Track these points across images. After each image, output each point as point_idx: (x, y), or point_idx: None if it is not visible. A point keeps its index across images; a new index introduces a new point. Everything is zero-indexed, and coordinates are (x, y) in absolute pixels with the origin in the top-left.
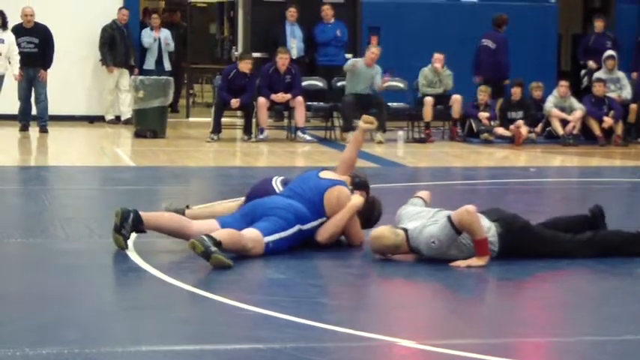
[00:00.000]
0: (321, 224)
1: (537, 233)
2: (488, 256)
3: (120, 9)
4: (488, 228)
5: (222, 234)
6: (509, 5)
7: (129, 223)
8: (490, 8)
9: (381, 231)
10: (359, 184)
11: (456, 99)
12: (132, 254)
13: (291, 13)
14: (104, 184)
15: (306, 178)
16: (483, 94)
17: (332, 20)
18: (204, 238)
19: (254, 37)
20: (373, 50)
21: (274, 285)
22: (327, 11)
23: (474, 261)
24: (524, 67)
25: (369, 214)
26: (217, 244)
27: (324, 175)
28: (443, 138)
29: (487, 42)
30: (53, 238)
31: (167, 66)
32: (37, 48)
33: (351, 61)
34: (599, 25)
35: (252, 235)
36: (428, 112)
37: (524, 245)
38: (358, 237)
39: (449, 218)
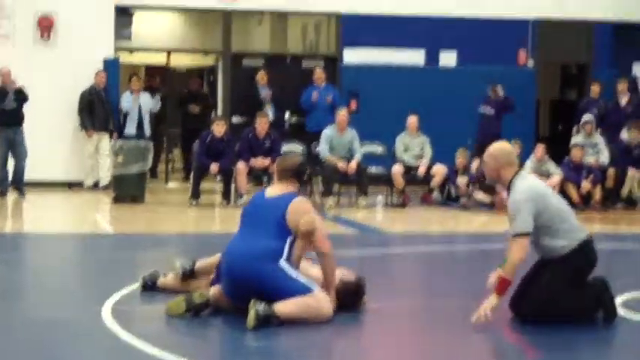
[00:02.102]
0: (292, 243)
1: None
2: (502, 297)
3: (97, 73)
4: None
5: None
6: (488, 70)
7: (197, 310)
8: (469, 73)
9: None
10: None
11: (439, 171)
12: (109, 322)
13: (261, 76)
14: (82, 252)
15: (255, 208)
16: (461, 157)
17: (323, 84)
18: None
19: (233, 102)
20: (341, 113)
21: (261, 352)
22: (319, 75)
23: (490, 300)
24: (503, 132)
25: (356, 294)
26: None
27: (270, 193)
28: (422, 203)
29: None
30: (27, 307)
31: (147, 130)
32: (17, 103)
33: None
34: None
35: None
36: (398, 180)
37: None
38: (326, 242)
39: (514, 236)
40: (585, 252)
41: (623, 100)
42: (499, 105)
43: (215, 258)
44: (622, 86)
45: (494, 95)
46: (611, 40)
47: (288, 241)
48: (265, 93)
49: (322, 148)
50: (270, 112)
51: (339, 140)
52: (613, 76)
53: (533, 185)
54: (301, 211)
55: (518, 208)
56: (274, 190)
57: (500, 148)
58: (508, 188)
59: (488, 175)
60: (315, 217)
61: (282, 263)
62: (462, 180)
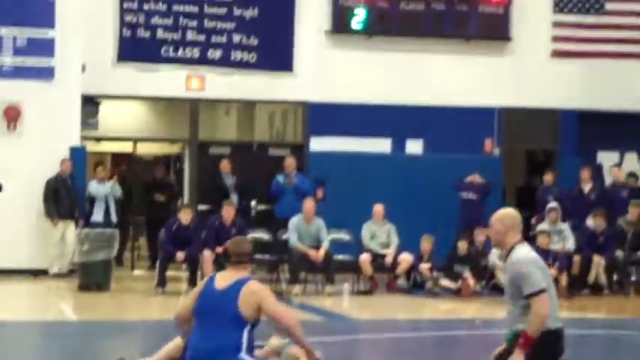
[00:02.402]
0: (250, 332)
1: None
2: (526, 353)
3: (63, 160)
4: None
5: None
6: (454, 158)
7: None
8: (435, 161)
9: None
10: None
11: (405, 259)
12: None
13: (225, 164)
14: (47, 340)
15: (207, 302)
16: (426, 243)
17: (293, 172)
18: None
19: (200, 190)
20: (308, 203)
21: None
22: (289, 163)
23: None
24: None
25: None
26: None
27: (220, 283)
28: (387, 290)
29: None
30: None
31: (114, 218)
32: None
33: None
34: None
35: None
36: (366, 268)
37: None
38: (286, 315)
39: (532, 294)
40: (557, 337)
41: (587, 187)
42: (481, 190)
43: (171, 345)
44: (586, 174)
45: (476, 182)
46: (576, 128)
47: (246, 331)
48: (230, 181)
49: (291, 237)
50: (234, 200)
51: (306, 230)
52: (579, 163)
53: (535, 257)
54: (253, 292)
55: (529, 269)
56: (225, 278)
57: (508, 213)
58: (507, 254)
59: (493, 237)
60: (266, 299)
61: (243, 356)
62: (425, 266)
